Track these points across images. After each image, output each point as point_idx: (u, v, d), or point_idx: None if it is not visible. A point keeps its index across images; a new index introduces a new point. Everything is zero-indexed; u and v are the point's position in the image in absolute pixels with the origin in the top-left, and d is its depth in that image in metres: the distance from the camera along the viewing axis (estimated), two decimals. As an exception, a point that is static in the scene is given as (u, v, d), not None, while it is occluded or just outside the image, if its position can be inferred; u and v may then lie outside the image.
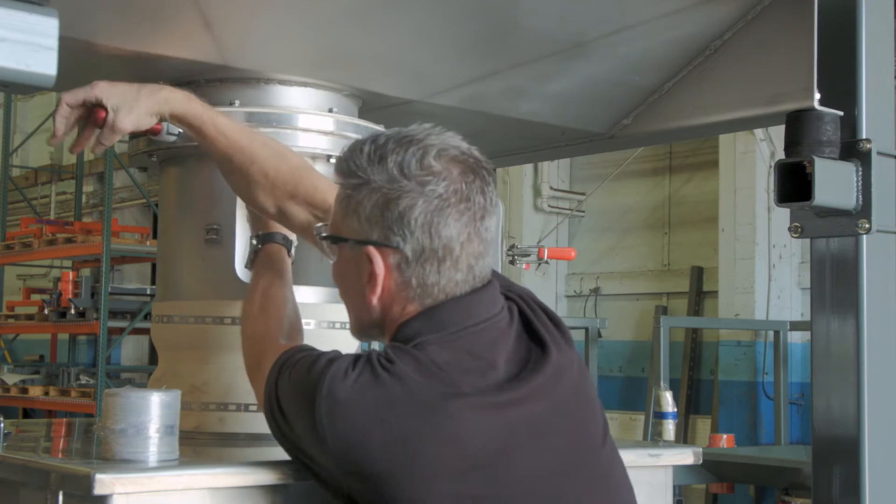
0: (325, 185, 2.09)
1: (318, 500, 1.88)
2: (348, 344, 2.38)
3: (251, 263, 2.23)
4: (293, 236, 2.26)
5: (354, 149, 1.84)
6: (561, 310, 10.56)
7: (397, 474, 1.67)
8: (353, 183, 1.81)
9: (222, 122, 2.16)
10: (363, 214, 1.80)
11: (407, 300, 1.81)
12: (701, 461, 2.50)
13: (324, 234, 1.90)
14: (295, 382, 1.77)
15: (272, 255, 2.20)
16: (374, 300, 1.82)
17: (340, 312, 2.40)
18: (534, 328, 1.86)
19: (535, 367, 1.80)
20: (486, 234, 1.82)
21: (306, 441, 1.74)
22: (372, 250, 1.80)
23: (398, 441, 1.67)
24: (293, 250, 2.25)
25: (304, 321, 2.16)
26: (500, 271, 2.62)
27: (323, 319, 2.39)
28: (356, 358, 1.75)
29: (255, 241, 2.24)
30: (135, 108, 2.11)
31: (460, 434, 1.69)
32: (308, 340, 2.04)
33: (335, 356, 1.76)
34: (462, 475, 1.68)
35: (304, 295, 2.33)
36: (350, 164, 1.82)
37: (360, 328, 1.91)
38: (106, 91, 2.09)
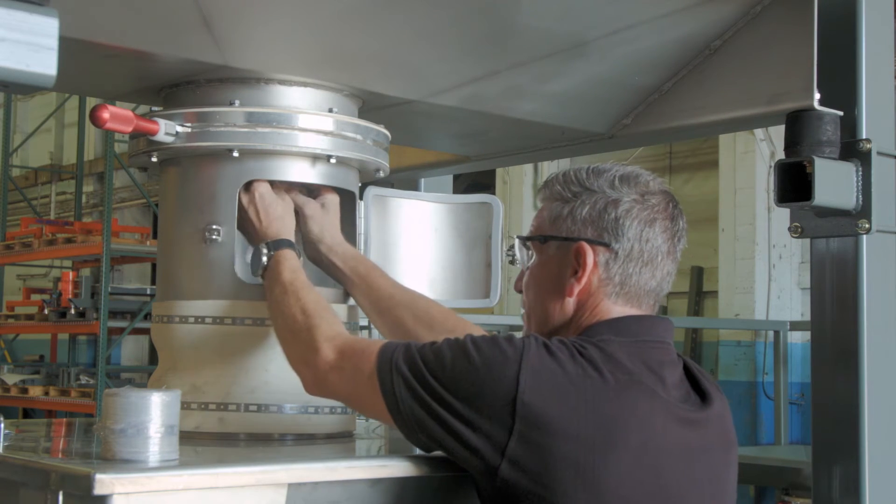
0: (437, 310, 2.36)
1: (319, 500, 1.88)
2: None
3: (262, 270, 2.24)
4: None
5: (569, 170, 2.04)
6: (561, 310, 10.53)
7: (582, 437, 1.79)
8: (574, 190, 2.02)
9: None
10: (579, 216, 2.00)
11: (601, 297, 1.98)
12: (701, 461, 2.50)
13: (526, 236, 2.07)
14: (482, 353, 1.84)
15: (292, 260, 2.23)
16: (575, 291, 1.98)
17: (341, 313, 2.41)
18: (696, 377, 2.01)
19: (697, 404, 1.96)
20: (678, 257, 2.04)
21: (478, 402, 1.82)
22: (584, 245, 1.98)
23: (591, 410, 1.80)
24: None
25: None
26: (499, 271, 2.63)
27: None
28: (542, 339, 1.88)
29: (265, 249, 2.25)
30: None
31: (639, 420, 1.83)
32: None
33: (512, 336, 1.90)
34: (635, 458, 1.81)
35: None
36: (567, 177, 2.03)
37: (548, 332, 2.01)
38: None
